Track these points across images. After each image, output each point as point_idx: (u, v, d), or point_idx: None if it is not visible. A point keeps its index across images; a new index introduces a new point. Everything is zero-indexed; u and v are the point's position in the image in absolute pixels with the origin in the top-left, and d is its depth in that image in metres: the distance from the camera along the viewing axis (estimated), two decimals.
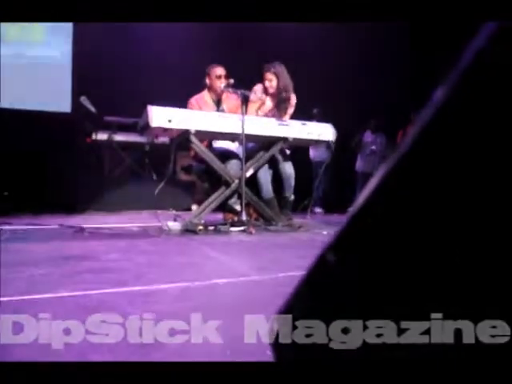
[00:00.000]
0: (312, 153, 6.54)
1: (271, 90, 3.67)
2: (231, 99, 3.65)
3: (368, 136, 6.71)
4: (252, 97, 3.44)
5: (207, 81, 3.67)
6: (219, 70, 3.62)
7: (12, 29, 6.34)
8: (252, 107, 3.56)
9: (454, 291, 0.41)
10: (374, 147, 6.64)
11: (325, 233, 2.89)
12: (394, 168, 0.43)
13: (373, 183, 0.45)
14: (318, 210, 6.38)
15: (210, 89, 3.67)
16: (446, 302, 0.41)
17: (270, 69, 3.65)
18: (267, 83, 3.65)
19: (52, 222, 3.42)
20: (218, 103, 3.71)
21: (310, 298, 0.49)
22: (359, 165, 6.73)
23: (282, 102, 3.68)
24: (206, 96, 3.68)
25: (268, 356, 0.51)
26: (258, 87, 3.68)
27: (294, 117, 3.76)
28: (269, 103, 3.71)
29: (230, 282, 1.40)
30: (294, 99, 3.74)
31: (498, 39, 0.35)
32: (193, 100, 3.63)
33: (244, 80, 3.56)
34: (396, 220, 0.43)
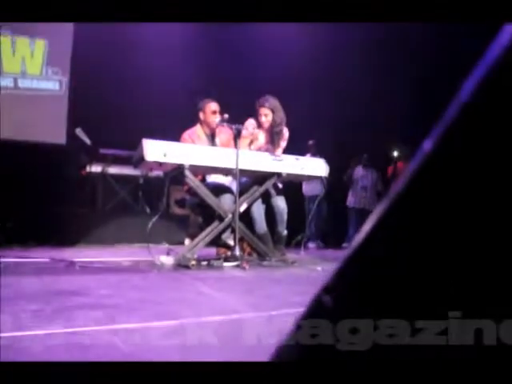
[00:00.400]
0: (305, 187, 6.56)
1: (267, 125, 3.66)
2: (224, 133, 3.69)
3: (359, 171, 6.75)
4: (244, 133, 3.41)
5: (201, 115, 3.71)
6: (213, 106, 3.68)
7: (11, 62, 6.44)
8: (244, 142, 3.52)
9: (471, 291, 0.40)
10: (365, 183, 6.68)
11: (319, 269, 2.88)
12: (389, 210, 0.44)
13: (368, 225, 0.46)
14: (312, 245, 6.36)
15: (203, 123, 3.71)
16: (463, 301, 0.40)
17: (265, 104, 3.63)
18: (263, 118, 3.64)
19: (43, 255, 3.38)
20: (212, 137, 3.75)
21: (304, 343, 0.49)
22: (350, 200, 6.76)
23: (275, 135, 3.68)
24: (198, 130, 3.72)
25: (268, 356, 0.50)
26: (250, 122, 3.67)
27: (288, 148, 3.80)
28: (261, 138, 3.72)
29: (224, 319, 1.39)
30: (286, 133, 3.75)
31: None
32: (185, 135, 3.66)
33: (239, 115, 3.61)
34: (393, 261, 0.44)
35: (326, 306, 0.45)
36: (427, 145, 0.41)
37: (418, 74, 6.17)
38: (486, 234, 0.39)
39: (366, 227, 0.46)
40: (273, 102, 3.67)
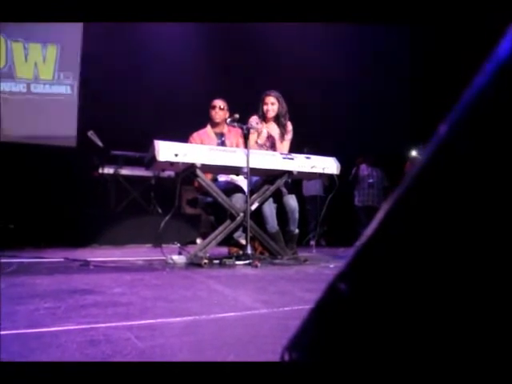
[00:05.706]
0: (305, 188, 6.67)
1: (272, 114, 3.78)
2: (234, 134, 3.76)
3: (364, 169, 6.76)
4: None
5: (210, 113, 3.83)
6: (214, 102, 3.81)
7: (23, 67, 6.53)
8: (251, 139, 3.60)
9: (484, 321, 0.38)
10: (371, 180, 6.68)
11: (331, 266, 2.87)
12: (403, 196, 0.44)
13: (382, 213, 0.45)
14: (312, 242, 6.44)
15: (210, 120, 3.83)
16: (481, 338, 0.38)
17: (271, 93, 3.79)
18: (270, 107, 3.77)
19: (57, 256, 3.42)
20: (217, 135, 3.82)
21: (321, 328, 0.49)
22: (358, 199, 6.76)
23: (281, 127, 3.81)
24: (208, 129, 3.83)
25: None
26: (253, 118, 3.78)
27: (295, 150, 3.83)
28: (265, 131, 3.78)
29: (236, 316, 1.38)
30: (290, 125, 3.87)
31: None
32: (194, 134, 3.79)
33: (246, 108, 3.69)
34: (410, 248, 0.43)
35: (341, 292, 0.45)
36: (443, 128, 0.40)
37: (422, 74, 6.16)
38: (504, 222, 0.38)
39: (381, 214, 0.46)
40: (277, 93, 3.82)
